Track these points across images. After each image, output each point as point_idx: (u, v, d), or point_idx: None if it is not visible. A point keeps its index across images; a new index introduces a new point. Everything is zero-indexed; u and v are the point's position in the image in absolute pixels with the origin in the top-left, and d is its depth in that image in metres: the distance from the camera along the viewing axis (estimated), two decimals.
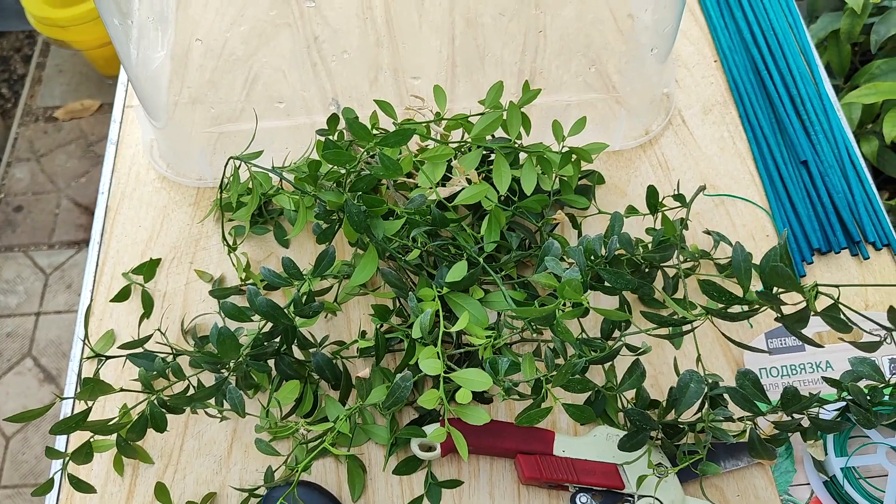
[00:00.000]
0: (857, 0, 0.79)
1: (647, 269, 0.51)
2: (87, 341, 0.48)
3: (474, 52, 0.59)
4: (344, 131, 0.56)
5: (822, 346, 0.38)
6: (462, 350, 0.46)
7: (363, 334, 0.52)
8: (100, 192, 0.60)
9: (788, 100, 0.62)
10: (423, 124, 0.54)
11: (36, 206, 1.43)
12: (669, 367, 0.51)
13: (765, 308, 0.37)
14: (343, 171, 0.47)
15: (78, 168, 1.47)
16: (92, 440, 0.43)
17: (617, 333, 0.48)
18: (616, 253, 0.46)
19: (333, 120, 0.54)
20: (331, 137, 0.55)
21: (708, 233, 0.55)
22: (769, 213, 0.57)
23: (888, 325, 0.36)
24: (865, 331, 0.39)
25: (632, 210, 0.55)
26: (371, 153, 0.47)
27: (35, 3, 1.37)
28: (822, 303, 0.37)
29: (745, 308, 0.38)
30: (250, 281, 0.53)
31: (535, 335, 0.49)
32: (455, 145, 0.55)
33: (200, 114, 0.61)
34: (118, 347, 0.45)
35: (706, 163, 0.61)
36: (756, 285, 0.52)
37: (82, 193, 1.44)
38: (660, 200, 0.52)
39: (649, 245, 0.51)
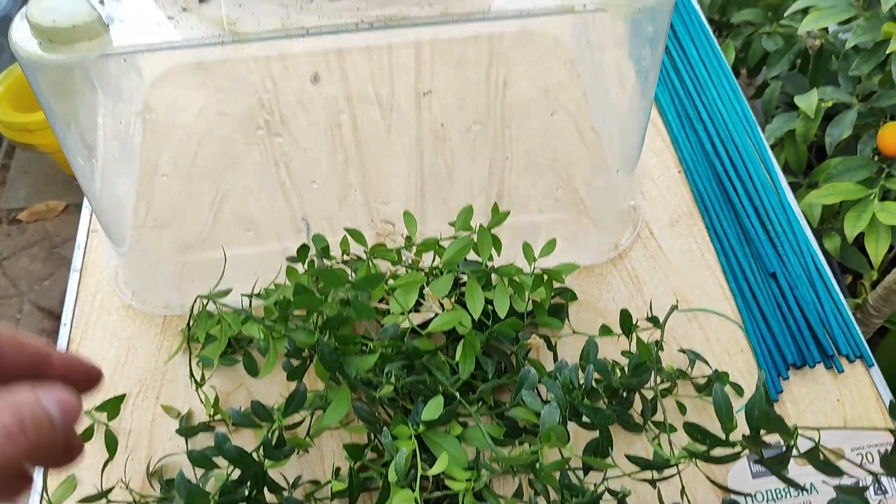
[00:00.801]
0: (810, 105, 0.82)
1: (624, 394, 0.50)
2: (45, 493, 0.46)
3: (442, 169, 0.60)
4: (314, 259, 0.56)
5: (803, 487, 0.37)
6: (442, 493, 0.44)
7: (337, 472, 0.50)
8: (62, 323, 0.58)
9: (753, 210, 0.63)
10: (395, 251, 0.54)
11: None
12: (654, 494, 0.50)
13: (746, 450, 0.37)
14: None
15: (42, 271, 1.45)
16: None
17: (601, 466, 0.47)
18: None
19: (304, 250, 0.53)
20: (301, 266, 0.55)
21: (683, 351, 0.55)
22: (742, 327, 0.58)
23: (876, 467, 0.36)
24: (851, 467, 0.39)
25: (606, 330, 0.55)
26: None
27: (2, 108, 1.37)
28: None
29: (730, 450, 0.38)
30: (218, 417, 0.52)
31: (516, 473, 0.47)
32: (427, 268, 0.54)
33: (166, 239, 0.60)
34: (78, 503, 0.43)
35: (676, 276, 0.61)
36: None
37: (46, 297, 1.41)
38: (634, 323, 0.51)
39: (626, 368, 0.50)
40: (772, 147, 0.92)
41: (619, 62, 0.53)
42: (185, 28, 0.44)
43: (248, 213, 0.61)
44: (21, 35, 0.43)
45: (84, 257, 0.63)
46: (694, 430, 0.39)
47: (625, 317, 0.51)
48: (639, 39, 0.50)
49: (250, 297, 0.56)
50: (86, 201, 0.67)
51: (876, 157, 0.86)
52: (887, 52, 0.75)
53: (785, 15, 0.85)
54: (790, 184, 0.92)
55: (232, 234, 0.61)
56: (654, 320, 0.52)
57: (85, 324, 0.58)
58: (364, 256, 0.56)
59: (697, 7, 0.81)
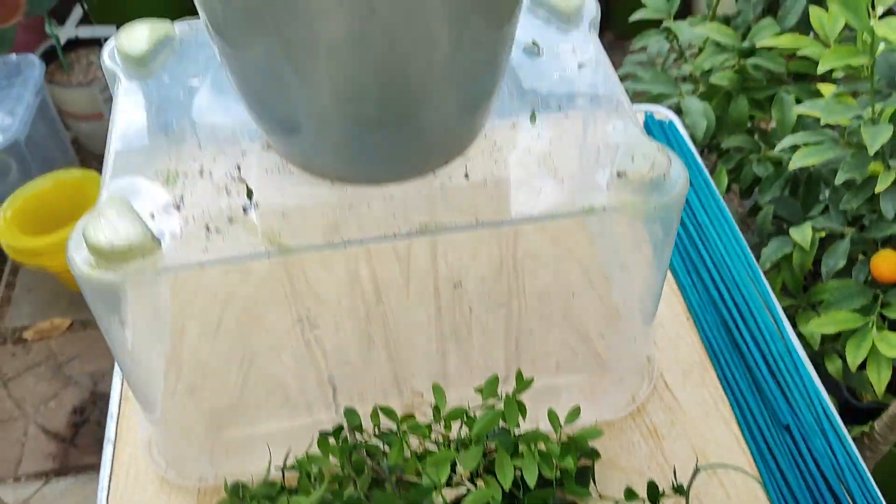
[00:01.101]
0: (805, 239, 0.86)
1: None
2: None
3: (462, 320, 0.62)
4: (347, 433, 0.58)
5: None
6: None
7: None
8: (98, 500, 0.59)
9: (762, 359, 0.66)
10: (425, 427, 0.56)
11: (1, 436, 1.38)
12: None
13: None
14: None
15: (47, 391, 1.45)
16: None
17: None
18: None
19: (337, 431, 0.55)
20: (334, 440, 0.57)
21: None
22: (760, 483, 0.59)
23: None
24: None
25: (631, 494, 0.56)
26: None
27: (12, 233, 1.40)
28: None
29: None
30: None
31: None
32: (454, 436, 0.56)
33: (197, 404, 0.62)
34: None
35: (693, 428, 0.63)
36: None
37: (51, 419, 1.41)
38: (661, 493, 0.53)
39: None
40: (769, 270, 0.96)
41: (632, 235, 0.56)
42: (232, 239, 0.47)
43: (276, 374, 0.63)
44: (78, 253, 0.46)
45: (117, 427, 0.64)
46: None
47: (651, 488, 0.53)
48: (654, 221, 0.53)
49: (283, 469, 0.58)
50: (116, 368, 0.69)
51: (868, 279, 0.90)
52: (876, 190, 0.79)
53: (775, 150, 0.89)
54: (788, 307, 0.95)
55: (261, 400, 0.63)
56: (679, 489, 0.53)
57: (119, 499, 0.60)
58: (394, 427, 0.58)
59: (692, 147, 0.85)
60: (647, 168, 0.48)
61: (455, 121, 0.48)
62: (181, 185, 0.49)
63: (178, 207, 0.48)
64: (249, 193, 0.49)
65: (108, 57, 0.56)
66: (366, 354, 0.63)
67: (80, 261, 0.45)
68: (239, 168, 0.51)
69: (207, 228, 0.47)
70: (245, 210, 0.48)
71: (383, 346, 0.62)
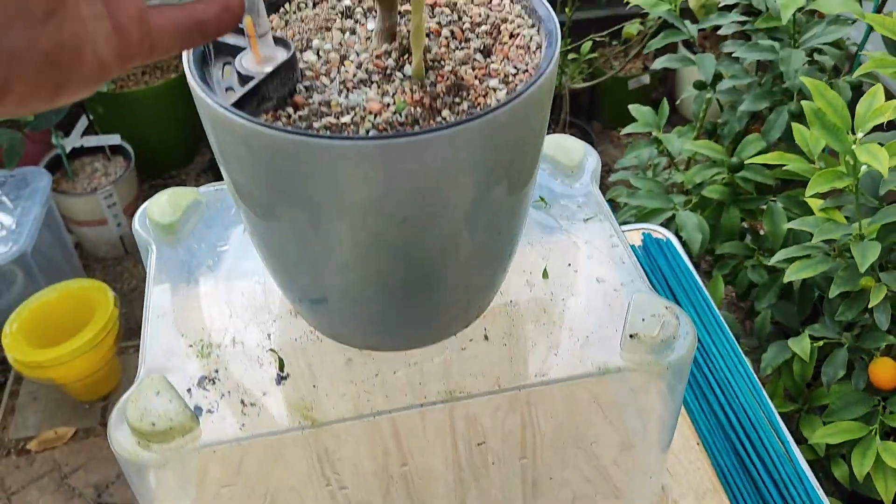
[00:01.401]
0: (804, 350, 0.89)
1: None
2: None
3: (482, 467, 0.64)
4: None
5: None
6: None
7: None
8: None
9: (772, 483, 0.68)
10: None
11: None
12: None
13: None
14: None
15: None
16: None
17: None
18: None
19: None
20: None
21: None
22: None
23: None
24: None
25: None
26: None
27: (18, 346, 1.41)
28: None
29: None
30: None
31: None
32: None
33: None
34: None
35: None
36: None
37: None
38: None
39: None
40: (769, 375, 0.98)
41: (646, 384, 0.59)
42: (266, 414, 0.49)
43: None
44: (120, 433, 0.48)
45: None
46: None
47: None
48: (666, 374, 0.56)
49: None
50: None
51: (867, 385, 0.92)
52: (869, 305, 0.82)
53: (771, 262, 0.93)
54: (790, 412, 0.98)
55: None
56: None
57: None
58: None
59: (690, 266, 0.89)
60: (657, 329, 0.51)
61: (477, 290, 0.51)
62: (215, 357, 0.52)
63: (213, 381, 0.50)
64: (281, 366, 0.51)
65: (140, 225, 0.59)
66: (386, 498, 0.64)
67: (121, 440, 0.47)
68: (269, 337, 0.53)
69: (242, 402, 0.50)
70: (277, 381, 0.51)
71: (403, 491, 0.64)
